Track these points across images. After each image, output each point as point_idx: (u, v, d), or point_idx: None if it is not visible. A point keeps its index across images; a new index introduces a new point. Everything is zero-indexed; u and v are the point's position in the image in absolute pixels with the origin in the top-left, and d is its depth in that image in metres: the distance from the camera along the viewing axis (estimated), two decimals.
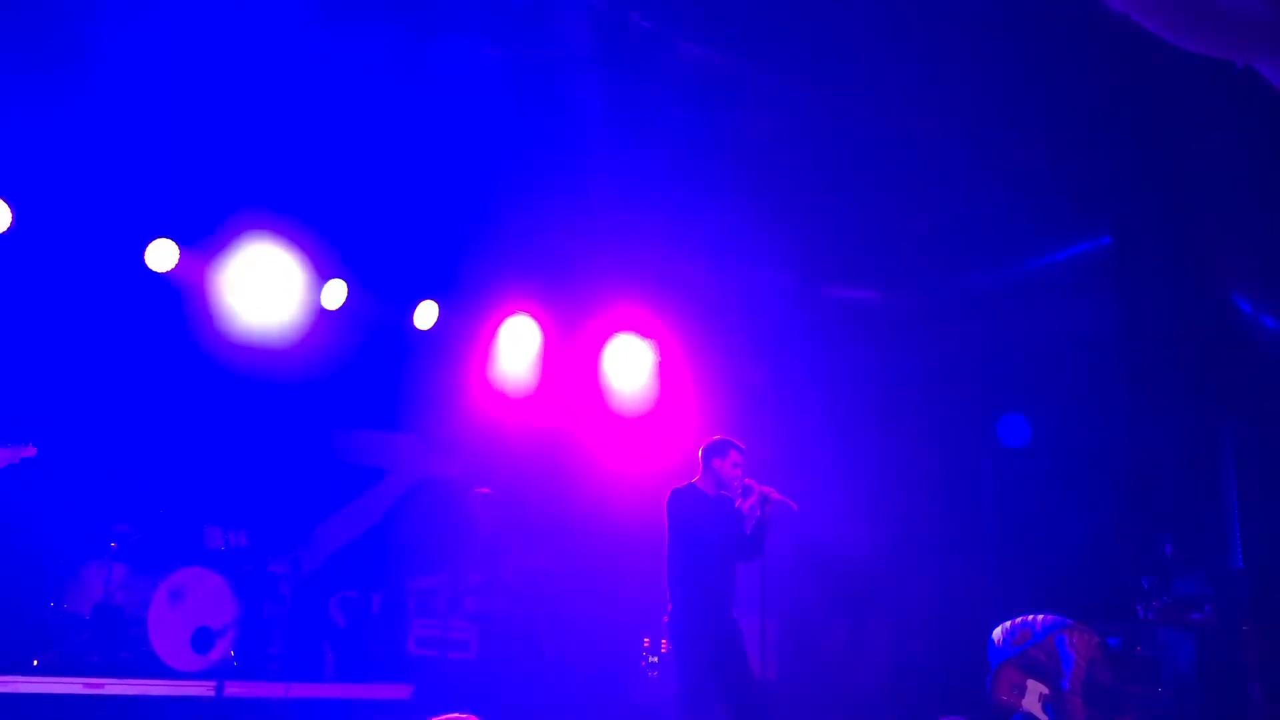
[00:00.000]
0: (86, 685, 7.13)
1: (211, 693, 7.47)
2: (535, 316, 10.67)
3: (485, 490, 9.08)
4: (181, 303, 8.96)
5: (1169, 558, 9.04)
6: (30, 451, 7.00)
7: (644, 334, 11.05)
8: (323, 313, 9.55)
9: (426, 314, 10.16)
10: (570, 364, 10.93)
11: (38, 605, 7.71)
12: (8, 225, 7.99)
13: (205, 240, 8.96)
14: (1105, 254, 9.83)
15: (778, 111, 8.79)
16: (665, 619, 6.56)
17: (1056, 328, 10.17)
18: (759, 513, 6.47)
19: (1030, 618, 7.96)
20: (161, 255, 8.76)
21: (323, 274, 9.50)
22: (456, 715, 2.69)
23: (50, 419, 8.16)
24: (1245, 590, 9.07)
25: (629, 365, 11.05)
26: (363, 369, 9.99)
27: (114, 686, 7.22)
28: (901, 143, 8.98)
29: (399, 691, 8.27)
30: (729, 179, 9.16)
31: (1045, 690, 7.64)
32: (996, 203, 9.52)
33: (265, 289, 9.19)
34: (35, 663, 7.34)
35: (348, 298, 9.62)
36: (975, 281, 10.78)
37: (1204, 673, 8.57)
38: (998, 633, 7.93)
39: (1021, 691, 7.59)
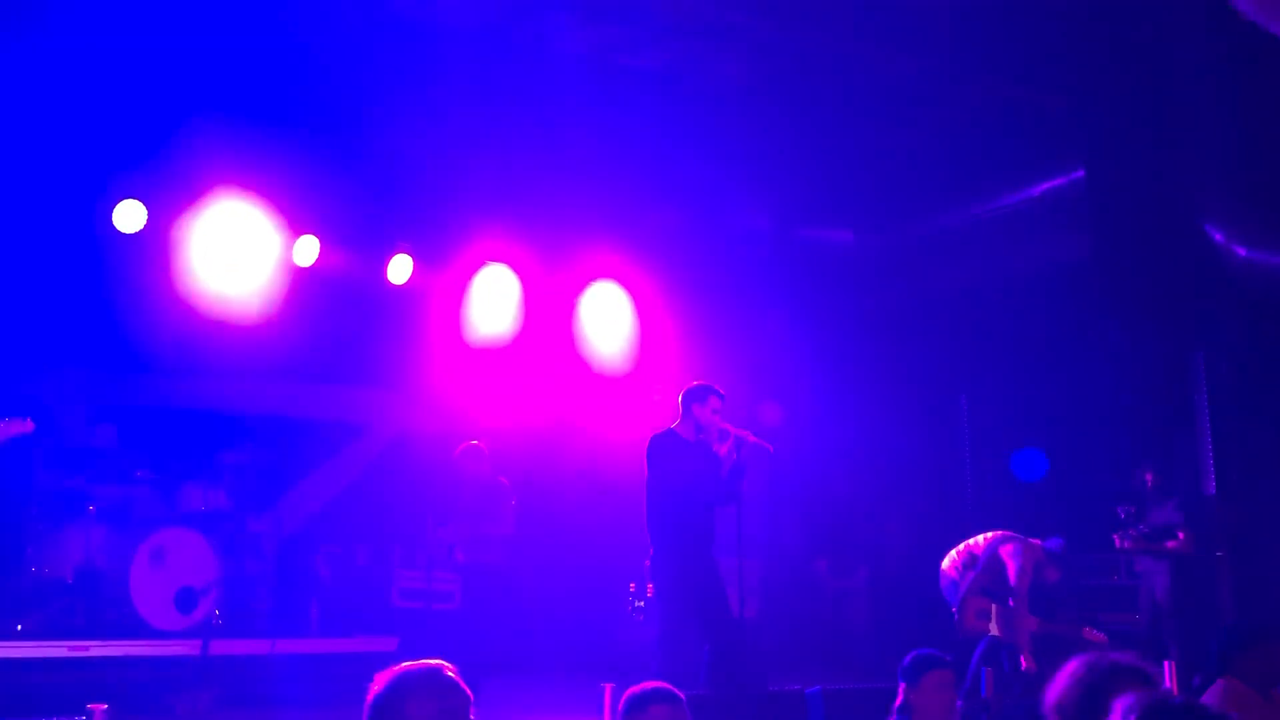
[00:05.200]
0: (71, 648, 7.15)
1: (197, 651, 7.50)
2: (511, 265, 10.61)
3: (475, 442, 9.06)
4: (152, 263, 8.87)
5: (1148, 487, 9.14)
6: (28, 426, 6.94)
7: (621, 280, 11.02)
8: (296, 270, 9.46)
9: (401, 267, 10.08)
10: (548, 312, 10.89)
11: (19, 570, 7.71)
12: None
13: (175, 199, 8.85)
14: (1078, 187, 9.82)
15: (749, 52, 8.72)
16: (647, 563, 6.63)
17: (1030, 262, 10.19)
18: (735, 456, 6.53)
19: (972, 540, 8.11)
20: (129, 216, 8.65)
21: (294, 230, 9.41)
22: (430, 662, 2.68)
23: (23, 384, 8.11)
24: (1218, 517, 9.18)
25: (607, 312, 11.01)
26: (338, 325, 9.93)
27: (99, 648, 7.24)
28: (873, 81, 8.93)
29: (385, 644, 8.32)
30: (702, 121, 9.11)
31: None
32: (969, 139, 9.51)
33: (236, 247, 9.09)
34: (19, 627, 7.35)
35: (320, 254, 9.53)
36: (950, 219, 10.77)
37: (1179, 599, 8.71)
38: (946, 563, 8.09)
39: (988, 616, 7.78)
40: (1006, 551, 7.89)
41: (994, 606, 7.81)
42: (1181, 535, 8.75)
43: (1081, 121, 9.32)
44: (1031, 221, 10.12)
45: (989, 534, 8.11)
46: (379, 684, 2.62)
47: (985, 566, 7.90)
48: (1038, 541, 7.98)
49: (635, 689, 3.78)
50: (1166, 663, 6.14)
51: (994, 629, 7.80)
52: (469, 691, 2.64)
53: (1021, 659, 7.55)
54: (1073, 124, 9.37)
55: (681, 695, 3.76)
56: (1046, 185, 10.05)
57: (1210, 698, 4.75)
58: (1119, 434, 9.72)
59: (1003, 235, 10.34)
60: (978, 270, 10.60)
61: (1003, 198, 10.34)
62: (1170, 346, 9.66)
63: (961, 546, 8.13)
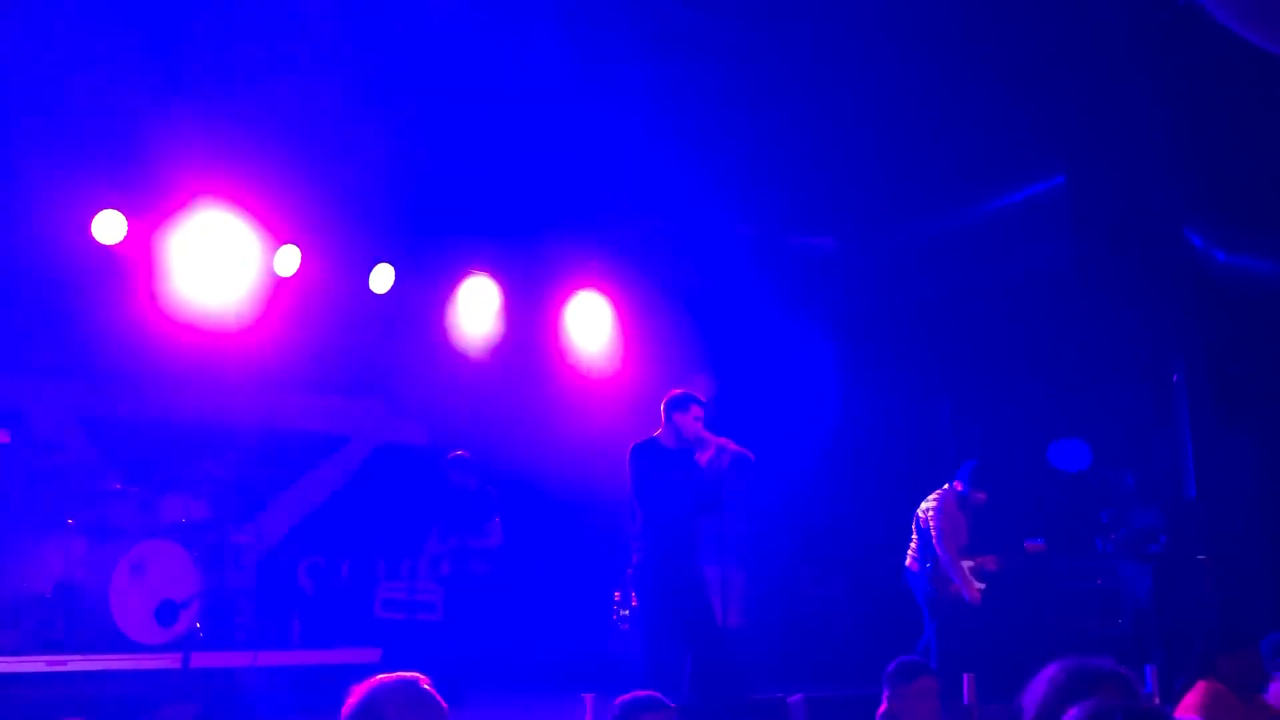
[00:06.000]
0: (50, 662, 7.06)
1: (178, 664, 7.43)
2: (493, 276, 10.59)
3: (461, 453, 9.06)
4: (132, 274, 8.82)
5: (1130, 491, 9.18)
6: (3, 438, 6.89)
7: (604, 289, 11.01)
8: (277, 279, 9.42)
9: (383, 277, 10.05)
10: (531, 322, 10.87)
11: None
12: None
13: (155, 209, 8.81)
14: (1059, 193, 9.86)
15: (731, 60, 8.73)
16: (630, 571, 6.63)
17: (1012, 267, 10.23)
18: (718, 464, 6.52)
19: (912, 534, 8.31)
20: (109, 227, 8.60)
21: (276, 240, 9.37)
22: (405, 674, 2.66)
23: (1, 396, 8.06)
24: (1200, 520, 9.22)
25: (590, 321, 11.01)
26: (320, 335, 9.89)
27: (78, 663, 7.16)
28: (854, 89, 8.94)
29: (368, 655, 8.26)
30: (684, 129, 9.12)
31: (971, 563, 8.00)
32: (950, 145, 9.52)
33: (217, 257, 9.05)
34: None
35: (301, 263, 9.49)
36: (932, 224, 10.80)
37: (1162, 602, 8.74)
38: (908, 561, 8.31)
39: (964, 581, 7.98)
40: (922, 511, 8.22)
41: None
42: (1163, 539, 8.79)
43: (1062, 127, 9.36)
44: (1013, 227, 10.16)
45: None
46: (353, 697, 2.61)
47: (923, 538, 8.12)
48: (946, 486, 8.28)
49: (626, 697, 3.79)
50: (1149, 666, 6.16)
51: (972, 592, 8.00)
52: (444, 704, 2.63)
53: (964, 594, 7.88)
54: (1053, 130, 9.40)
55: (671, 705, 3.76)
56: (1027, 191, 10.09)
57: (1191, 701, 4.76)
58: (1100, 438, 9.75)
59: (984, 241, 10.38)
60: (960, 275, 10.64)
61: (984, 203, 10.38)
62: (1150, 351, 9.70)
63: (911, 544, 8.33)
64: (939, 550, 7.97)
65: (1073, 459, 8.95)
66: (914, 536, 8.31)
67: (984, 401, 10.61)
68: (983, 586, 8.03)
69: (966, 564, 8.05)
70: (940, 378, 10.88)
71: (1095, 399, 9.80)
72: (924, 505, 8.28)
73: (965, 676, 5.32)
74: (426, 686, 2.63)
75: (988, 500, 8.18)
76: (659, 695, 3.81)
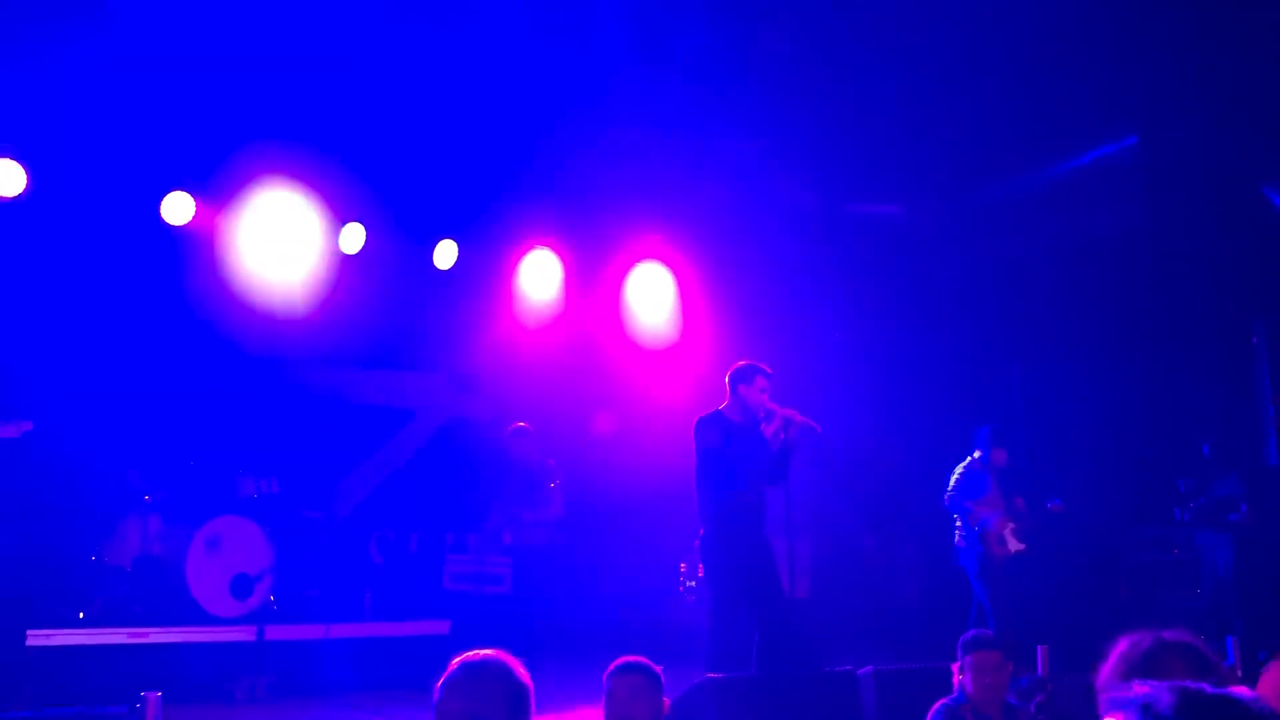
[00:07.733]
0: (131, 635, 7.27)
1: (253, 637, 7.60)
2: (555, 249, 10.60)
3: (522, 424, 9.11)
4: (201, 253, 8.96)
5: (1206, 459, 8.96)
6: (26, 426, 7.02)
7: (666, 261, 10.97)
8: (343, 257, 9.51)
9: (446, 253, 10.10)
10: (594, 294, 10.88)
11: (79, 560, 7.85)
12: (22, 188, 7.97)
13: (221, 190, 8.93)
14: (1132, 154, 9.60)
15: (795, 25, 8.61)
16: (697, 543, 6.61)
17: (1084, 231, 10.00)
18: (783, 436, 6.47)
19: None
20: (178, 208, 8.73)
21: (340, 218, 9.46)
22: (484, 652, 2.63)
23: (79, 376, 8.24)
24: None
25: (652, 293, 10.98)
26: (386, 311, 9.99)
27: (158, 635, 7.35)
28: (921, 51, 8.78)
29: (437, 627, 8.37)
30: (747, 98, 9.03)
31: (1012, 525, 7.97)
32: (1020, 107, 9.32)
33: (284, 236, 9.17)
34: (81, 615, 7.49)
35: (366, 241, 9.57)
36: (1001, 189, 10.59)
37: (1242, 572, 8.54)
38: (958, 539, 8.29)
39: (1003, 541, 7.95)
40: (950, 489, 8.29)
41: (1003, 532, 7.97)
42: (1243, 507, 8.58)
43: (1134, 85, 9.10)
44: (1085, 189, 9.93)
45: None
46: (442, 676, 2.55)
47: (961, 513, 8.11)
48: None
49: (615, 662, 3.85)
50: (1229, 638, 6.01)
51: (1012, 544, 7.95)
52: (526, 681, 2.56)
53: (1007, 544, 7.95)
54: (1125, 88, 9.14)
55: (657, 669, 3.78)
56: (1099, 153, 9.84)
57: (1273, 673, 4.63)
58: (1177, 404, 9.51)
59: (1055, 204, 10.16)
60: (1030, 240, 10.44)
61: (1055, 166, 10.15)
62: (1228, 314, 9.45)
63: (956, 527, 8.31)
64: (973, 507, 7.93)
65: None
66: (955, 517, 8.26)
67: (1055, 367, 10.41)
68: (1023, 547, 8.06)
69: (1009, 526, 8.01)
70: (1011, 344, 10.69)
71: (1171, 363, 9.56)
72: (951, 484, 8.29)
73: (1040, 648, 5.23)
74: (511, 665, 2.56)
75: (1009, 461, 8.29)
76: (645, 660, 3.83)
